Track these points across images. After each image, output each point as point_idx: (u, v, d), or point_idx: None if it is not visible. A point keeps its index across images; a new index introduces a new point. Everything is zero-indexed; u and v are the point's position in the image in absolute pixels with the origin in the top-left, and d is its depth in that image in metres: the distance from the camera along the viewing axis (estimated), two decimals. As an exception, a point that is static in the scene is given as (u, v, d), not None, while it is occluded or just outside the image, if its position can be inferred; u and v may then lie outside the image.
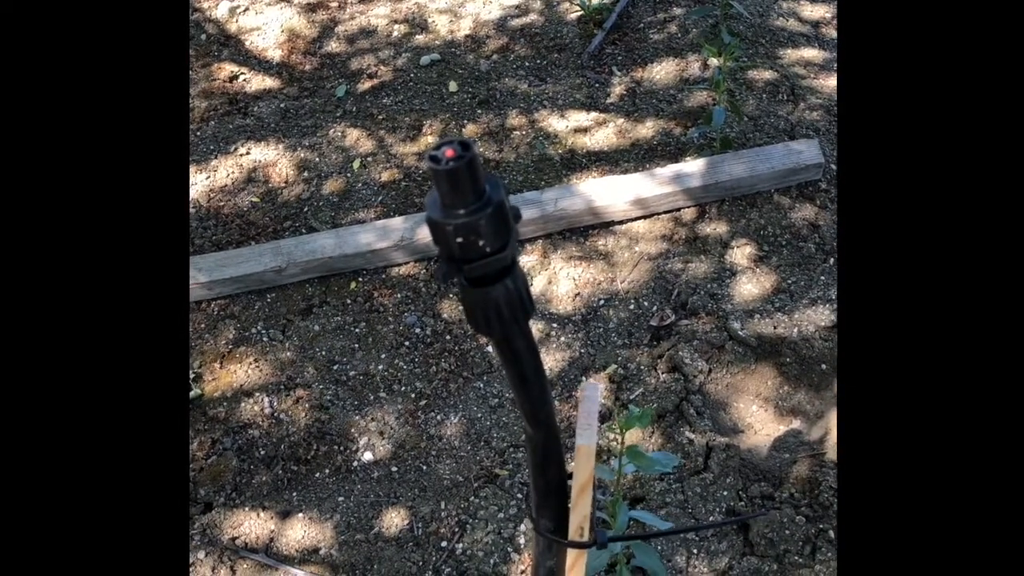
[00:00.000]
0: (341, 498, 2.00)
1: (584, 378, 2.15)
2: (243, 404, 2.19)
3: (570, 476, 0.85)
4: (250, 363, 2.28)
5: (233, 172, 2.81)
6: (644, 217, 2.48)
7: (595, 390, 0.86)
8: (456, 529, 1.91)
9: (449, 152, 0.62)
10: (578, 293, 2.33)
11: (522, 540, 1.87)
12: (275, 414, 2.16)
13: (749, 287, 2.27)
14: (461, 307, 2.29)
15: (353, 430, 2.12)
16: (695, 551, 1.81)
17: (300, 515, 1.98)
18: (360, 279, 2.44)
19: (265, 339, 2.33)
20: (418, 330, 2.30)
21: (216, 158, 2.86)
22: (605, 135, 2.75)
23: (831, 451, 1.93)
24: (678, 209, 2.49)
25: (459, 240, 0.64)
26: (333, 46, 3.26)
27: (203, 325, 2.38)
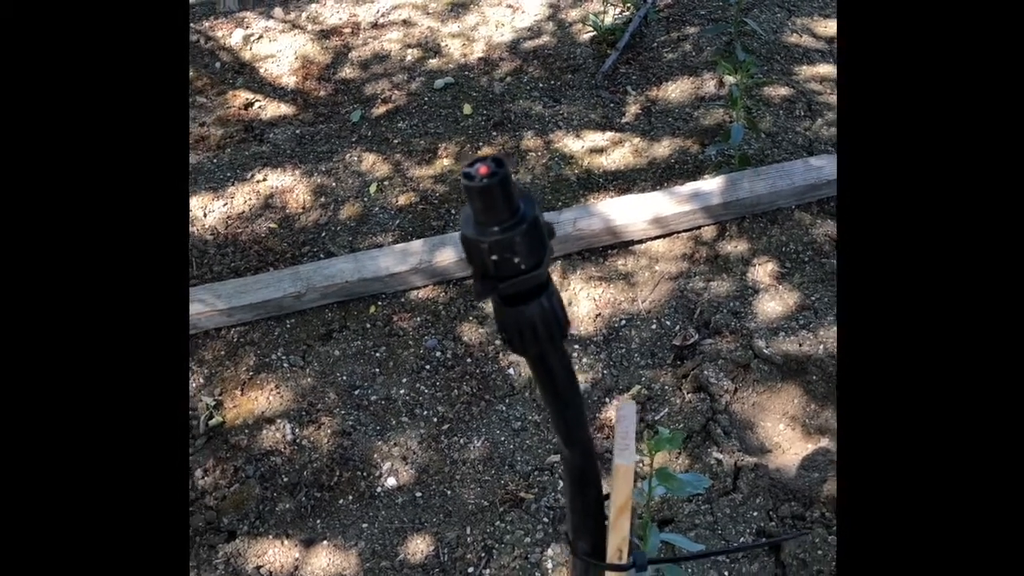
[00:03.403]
0: (365, 525, 1.98)
1: (608, 400, 2.12)
2: (265, 431, 2.18)
3: (607, 497, 0.83)
4: (271, 390, 2.27)
5: (250, 199, 2.82)
6: (663, 236, 2.47)
7: (631, 409, 0.84)
8: (483, 554, 1.89)
9: (483, 169, 0.61)
10: (599, 314, 2.31)
11: (550, 565, 1.84)
12: (297, 440, 2.15)
13: (772, 305, 2.25)
14: (481, 330, 2.28)
15: (376, 455, 2.10)
16: (726, 573, 1.78)
17: (324, 543, 1.96)
18: (379, 303, 2.43)
19: (285, 365, 2.32)
20: (439, 353, 2.29)
21: (233, 185, 2.87)
22: (621, 154, 2.74)
23: (862, 469, 1.90)
24: (698, 227, 2.47)
25: (494, 258, 0.63)
26: (347, 72, 3.28)
27: (223, 352, 2.37)
